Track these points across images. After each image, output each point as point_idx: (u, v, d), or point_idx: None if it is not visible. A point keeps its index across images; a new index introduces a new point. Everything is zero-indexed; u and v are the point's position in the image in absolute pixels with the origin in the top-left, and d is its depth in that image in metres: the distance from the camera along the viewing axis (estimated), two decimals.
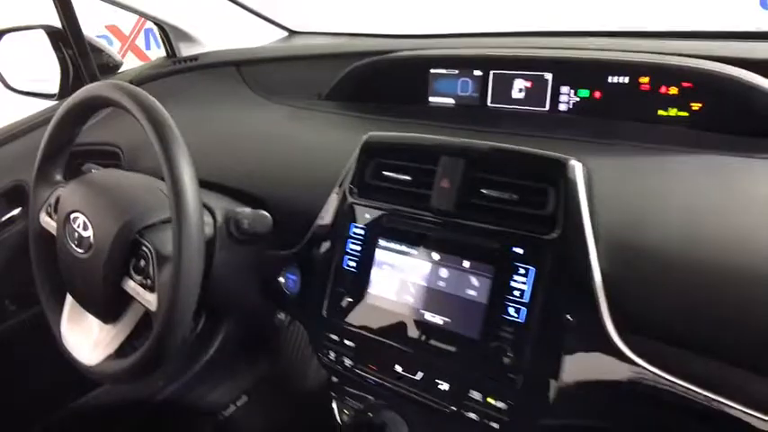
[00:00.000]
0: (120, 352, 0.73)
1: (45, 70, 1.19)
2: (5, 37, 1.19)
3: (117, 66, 1.25)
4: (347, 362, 0.68)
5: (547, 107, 0.82)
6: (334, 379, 0.78)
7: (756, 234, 0.52)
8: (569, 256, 0.55)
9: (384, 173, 0.69)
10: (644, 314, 0.54)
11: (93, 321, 0.78)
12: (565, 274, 0.55)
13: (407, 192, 0.66)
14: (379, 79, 0.95)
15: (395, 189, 0.68)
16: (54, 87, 1.14)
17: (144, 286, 0.68)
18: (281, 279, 0.78)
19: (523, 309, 0.56)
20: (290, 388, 1.41)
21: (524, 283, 0.57)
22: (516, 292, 0.57)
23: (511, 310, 0.57)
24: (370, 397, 0.74)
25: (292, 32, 1.36)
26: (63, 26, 1.12)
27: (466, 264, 0.61)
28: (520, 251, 0.57)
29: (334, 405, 0.78)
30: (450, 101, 0.90)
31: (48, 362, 1.17)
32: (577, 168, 0.57)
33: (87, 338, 0.78)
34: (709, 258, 0.52)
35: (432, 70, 0.91)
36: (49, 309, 0.82)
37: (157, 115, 0.65)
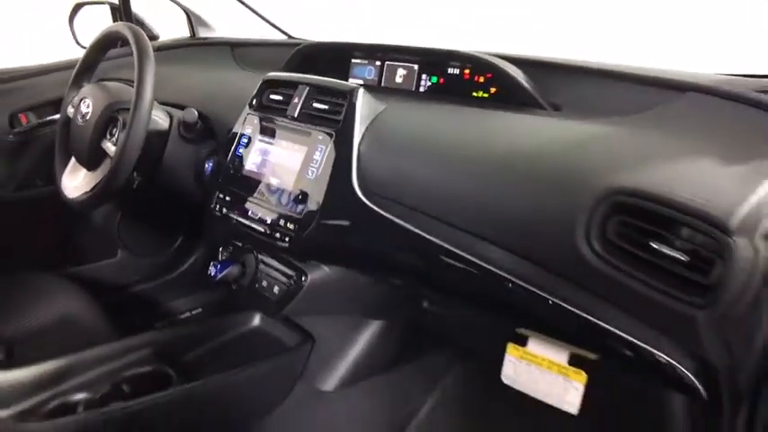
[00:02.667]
0: (91, 190, 1.13)
1: None
2: (84, 8, 1.68)
3: (154, 37, 1.71)
4: (224, 210, 1.06)
5: (413, 88, 1.19)
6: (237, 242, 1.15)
7: (482, 152, 0.85)
8: (343, 141, 0.92)
9: (270, 96, 1.08)
10: (378, 179, 0.89)
11: (82, 173, 1.19)
12: (338, 151, 0.92)
13: (277, 107, 1.05)
14: (317, 60, 1.34)
15: (272, 106, 1.06)
16: None
17: (112, 144, 1.09)
18: (206, 167, 1.17)
19: (315, 170, 0.93)
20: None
21: (319, 156, 0.93)
22: (314, 162, 0.94)
23: (309, 172, 0.94)
24: (239, 243, 1.11)
25: (290, 37, 1.80)
26: (120, 3, 1.60)
27: (296, 146, 0.98)
28: (320, 137, 0.94)
29: (220, 250, 1.15)
30: (360, 81, 1.29)
31: (59, 228, 1.58)
32: (359, 92, 0.94)
33: (75, 183, 1.19)
34: (431, 152, 0.87)
35: (352, 60, 1.30)
36: (58, 165, 1.24)
37: (144, 45, 1.07)
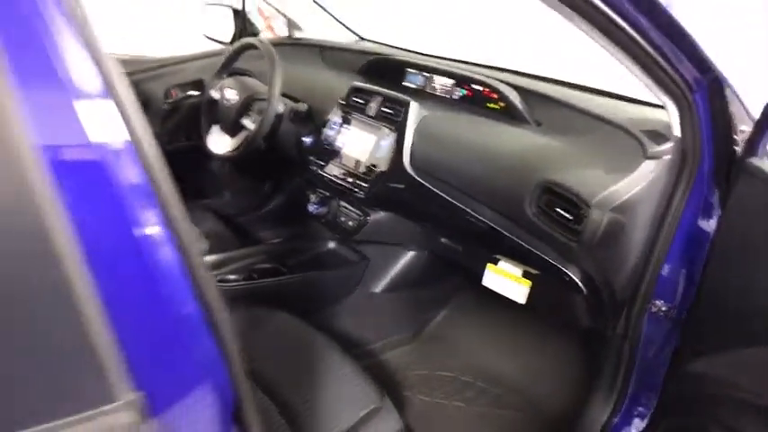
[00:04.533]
0: (234, 150, 1.73)
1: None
2: (209, 8, 2.25)
3: (257, 33, 2.28)
4: (317, 170, 1.65)
5: (449, 96, 1.74)
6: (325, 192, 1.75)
7: (485, 149, 1.41)
8: (400, 135, 1.49)
9: (354, 98, 1.65)
10: (421, 160, 1.46)
11: (224, 137, 1.79)
12: (397, 140, 1.49)
13: (359, 106, 1.62)
14: (383, 68, 1.90)
15: (355, 105, 1.64)
16: (227, 39, 2.18)
17: (252, 121, 1.68)
18: (306, 140, 1.76)
19: (382, 150, 1.51)
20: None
21: (385, 143, 1.51)
22: (381, 145, 1.51)
23: (378, 151, 1.52)
24: (325, 193, 1.70)
25: (362, 38, 2.35)
26: (242, 7, 2.17)
27: (369, 134, 1.56)
28: (386, 131, 1.52)
29: (311, 197, 1.75)
30: (412, 85, 1.84)
31: (190, 172, 2.20)
32: (413, 104, 1.50)
33: (220, 144, 1.79)
34: (454, 146, 1.43)
35: (407, 69, 1.85)
36: (204, 130, 1.84)
37: (274, 57, 1.64)
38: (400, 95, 1.56)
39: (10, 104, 0.39)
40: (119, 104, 0.46)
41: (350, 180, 1.57)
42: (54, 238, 0.40)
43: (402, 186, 1.49)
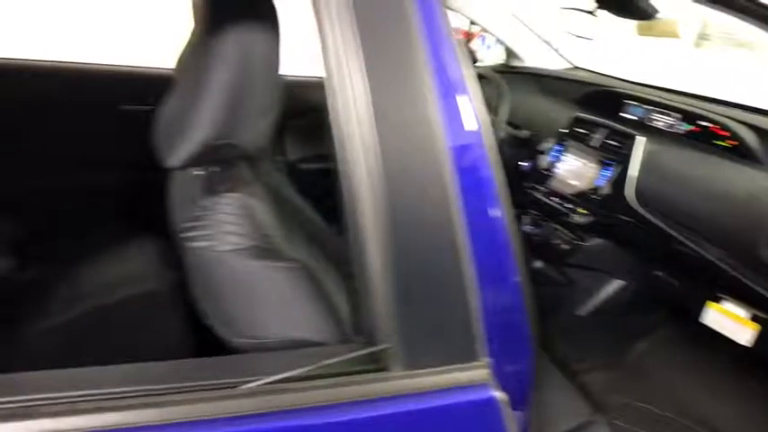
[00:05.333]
0: None
1: None
2: None
3: (476, 61, 2.46)
4: (534, 193, 1.77)
5: (672, 131, 1.75)
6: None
7: (714, 187, 1.43)
8: (624, 167, 1.55)
9: (576, 128, 1.74)
10: (650, 196, 1.51)
11: None
12: (621, 172, 1.55)
13: (580, 136, 1.71)
14: (601, 99, 1.96)
15: (577, 135, 1.73)
16: None
17: None
18: (524, 164, 1.89)
19: (604, 180, 1.58)
20: None
21: (608, 173, 1.58)
22: (604, 175, 1.59)
23: (600, 181, 1.60)
24: (538, 213, 1.82)
25: (576, 67, 2.42)
26: (464, 38, 2.37)
27: (591, 163, 1.64)
28: (609, 162, 1.59)
29: (523, 218, 1.87)
30: (632, 117, 1.88)
31: None
32: (639, 139, 1.55)
33: None
34: (679, 182, 1.47)
35: (627, 101, 1.89)
36: None
37: (504, 87, 1.81)
38: (627, 129, 1.62)
39: (437, 114, 0.58)
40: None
41: (568, 206, 1.67)
42: (455, 227, 0.57)
43: (623, 217, 1.55)
